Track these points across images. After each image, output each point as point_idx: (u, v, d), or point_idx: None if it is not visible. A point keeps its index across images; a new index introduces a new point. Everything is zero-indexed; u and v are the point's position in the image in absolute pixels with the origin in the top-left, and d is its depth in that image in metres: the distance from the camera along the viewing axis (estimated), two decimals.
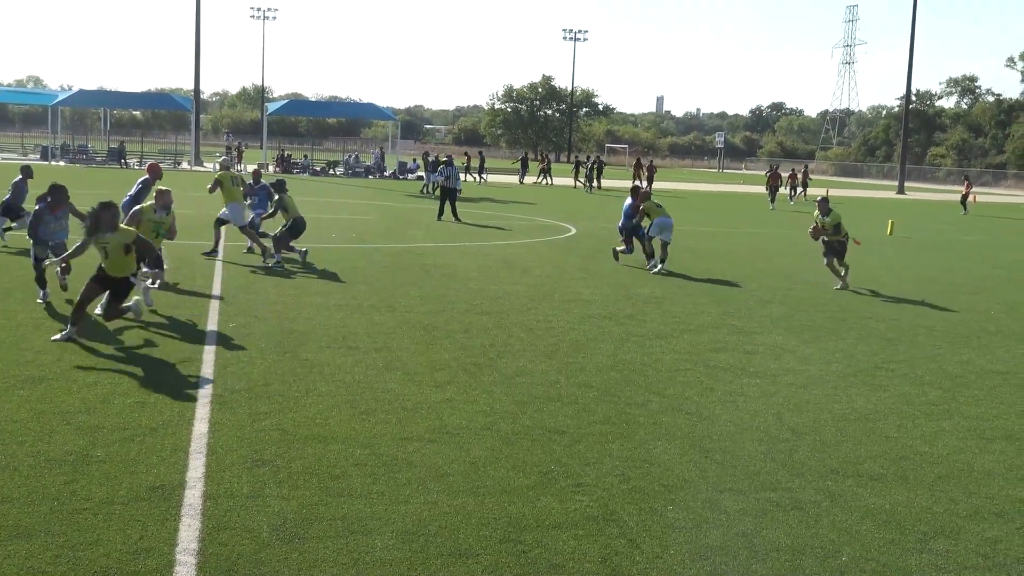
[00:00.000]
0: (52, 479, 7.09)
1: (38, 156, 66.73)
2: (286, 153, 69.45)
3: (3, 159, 63.88)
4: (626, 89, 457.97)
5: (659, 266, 20.46)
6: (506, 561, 6.04)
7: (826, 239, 19.56)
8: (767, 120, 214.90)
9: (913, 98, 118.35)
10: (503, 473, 7.65)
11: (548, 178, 63.82)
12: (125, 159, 64.62)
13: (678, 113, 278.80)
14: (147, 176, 18.37)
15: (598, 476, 7.69)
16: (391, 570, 5.84)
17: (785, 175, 56.80)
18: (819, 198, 20.24)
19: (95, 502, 6.68)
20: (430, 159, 50.91)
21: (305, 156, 68.93)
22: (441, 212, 31.60)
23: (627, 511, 6.98)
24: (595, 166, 59.37)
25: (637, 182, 54.32)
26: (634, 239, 21.75)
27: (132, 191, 18.27)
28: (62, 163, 61.95)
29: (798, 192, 57.60)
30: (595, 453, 8.26)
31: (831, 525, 6.94)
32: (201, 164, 66.03)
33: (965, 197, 54.08)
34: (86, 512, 6.51)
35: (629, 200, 21.72)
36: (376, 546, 6.17)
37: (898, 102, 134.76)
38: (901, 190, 79.30)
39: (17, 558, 5.77)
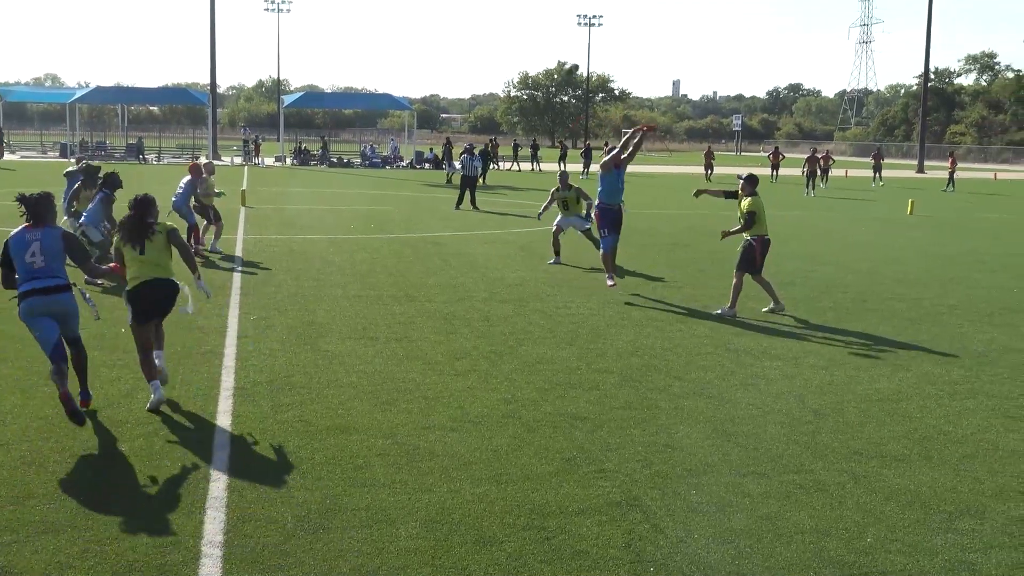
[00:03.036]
0: (78, 475, 7.14)
1: (57, 153, 67.00)
2: (303, 145, 69.55)
3: (23, 157, 64.24)
4: (642, 73, 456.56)
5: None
6: (530, 548, 6.05)
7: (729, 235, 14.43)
8: (784, 101, 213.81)
9: (931, 76, 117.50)
10: (526, 460, 7.66)
11: (563, 164, 63.60)
12: (143, 155, 64.87)
13: (695, 96, 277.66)
14: (190, 176, 19.51)
15: (620, 461, 7.69)
16: (415, 559, 5.86)
17: (803, 157, 56.44)
18: (745, 174, 14.24)
19: (121, 496, 6.72)
20: (467, 148, 50.87)
21: (322, 147, 69.00)
22: (460, 200, 31.60)
23: (650, 496, 6.98)
24: (587, 152, 59.34)
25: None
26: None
27: (180, 190, 19.44)
28: (95, 163, 62.16)
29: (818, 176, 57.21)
30: (617, 439, 8.26)
31: (855, 506, 6.92)
32: (219, 158, 66.20)
33: (952, 174, 54.17)
34: (112, 506, 6.54)
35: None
36: (400, 535, 6.19)
37: (916, 80, 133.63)
38: (921, 169, 78.79)
39: (45, 552, 5.82)
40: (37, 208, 8.59)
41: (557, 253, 19.08)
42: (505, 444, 8.04)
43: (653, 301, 15.01)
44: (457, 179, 37.78)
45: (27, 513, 6.40)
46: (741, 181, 14.19)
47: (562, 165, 58.96)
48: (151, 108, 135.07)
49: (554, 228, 19.30)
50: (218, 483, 7.00)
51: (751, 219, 13.95)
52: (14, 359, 10.48)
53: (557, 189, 19.32)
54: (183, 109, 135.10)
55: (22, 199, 8.69)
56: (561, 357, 11.17)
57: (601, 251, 15.70)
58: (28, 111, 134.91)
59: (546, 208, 19.74)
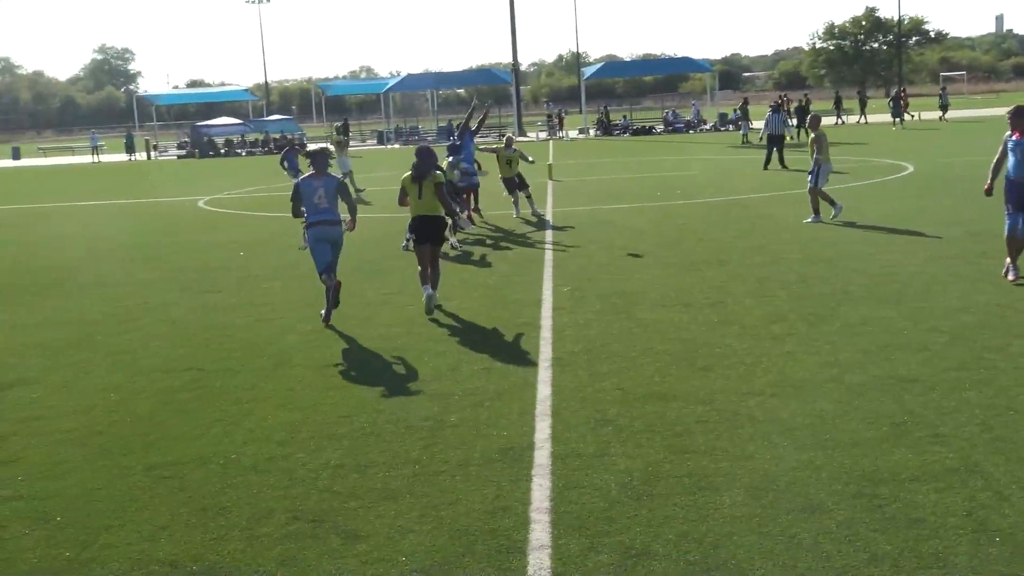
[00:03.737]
0: (412, 444, 7.56)
1: (375, 141, 70.94)
2: (606, 115, 70.11)
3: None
4: (959, 11, 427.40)
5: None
6: (861, 516, 5.85)
7: None
8: None
9: None
10: (852, 425, 7.41)
11: (864, 117, 60.60)
12: (454, 135, 67.50)
13: (1022, 31, 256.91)
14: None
15: (956, 426, 7.29)
16: (741, 526, 5.81)
17: None
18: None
19: (452, 464, 7.07)
20: (773, 105, 49.67)
21: (624, 117, 69.33)
22: (768, 161, 30.86)
23: (992, 462, 6.57)
24: (897, 99, 55.58)
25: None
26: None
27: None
28: (396, 146, 65.52)
29: None
30: (951, 402, 7.83)
31: None
32: (524, 134, 67.89)
33: None
34: (444, 474, 6.90)
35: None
36: (724, 502, 6.15)
37: None
38: None
39: (387, 518, 6.21)
40: (318, 161, 12.01)
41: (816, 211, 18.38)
42: (829, 409, 7.81)
43: (985, 255, 14.03)
44: (755, 138, 36.93)
45: (368, 480, 6.85)
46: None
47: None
48: (458, 91, 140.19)
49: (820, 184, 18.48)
50: (542, 451, 7.21)
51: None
52: (347, 339, 11.21)
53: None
54: (488, 89, 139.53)
55: (308, 153, 12.65)
56: (885, 317, 10.70)
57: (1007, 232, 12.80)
58: (346, 103, 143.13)
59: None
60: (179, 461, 7.41)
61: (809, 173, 18.61)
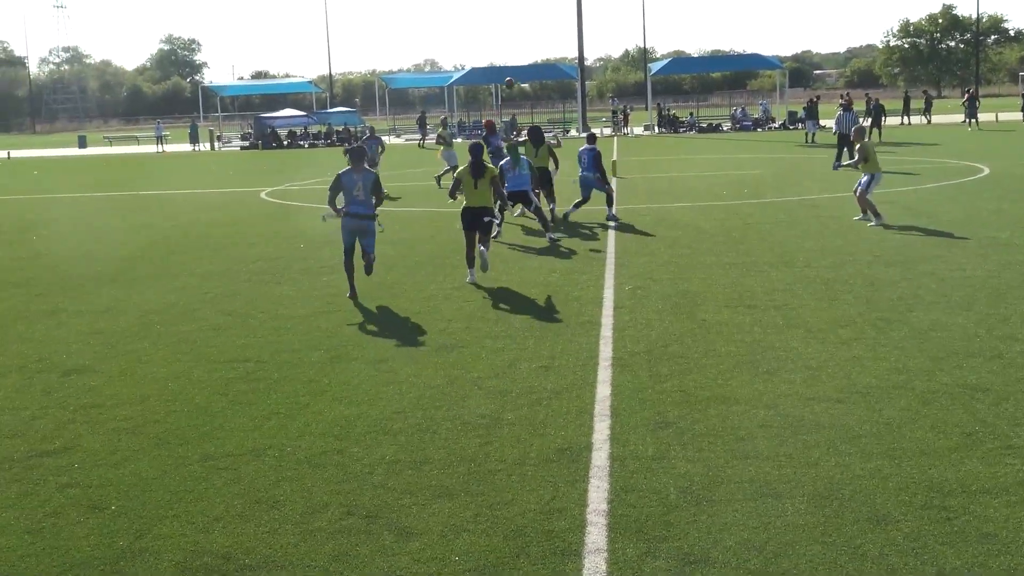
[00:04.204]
0: (468, 441, 7.55)
1: (421, 136, 71.12)
2: (670, 112, 69.69)
3: (407, 140, 68.74)
4: None
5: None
6: (929, 528, 5.72)
7: None
8: None
9: None
10: (921, 434, 7.26)
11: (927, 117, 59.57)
12: (516, 130, 67.50)
13: None
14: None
15: None
16: (804, 535, 5.71)
17: None
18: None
19: (508, 463, 7.04)
20: (843, 104, 49.03)
21: (690, 114, 68.84)
22: (838, 159, 30.45)
23: None
24: (972, 99, 54.39)
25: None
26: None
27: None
28: (459, 140, 65.65)
29: None
30: None
31: None
32: (588, 130, 67.75)
33: None
34: (500, 473, 6.87)
35: None
36: (787, 510, 6.05)
37: None
38: None
39: (441, 516, 6.19)
40: (357, 157, 13.35)
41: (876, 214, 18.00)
42: (897, 417, 7.65)
43: None
44: (823, 138, 36.44)
45: (424, 477, 6.84)
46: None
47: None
48: (522, 85, 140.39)
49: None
50: (600, 452, 7.16)
51: None
52: (405, 334, 11.24)
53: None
54: (553, 84, 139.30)
55: (348, 151, 14.41)
56: (956, 323, 10.49)
57: None
58: (410, 96, 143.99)
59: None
60: (234, 452, 7.46)
61: (858, 184, 18.44)
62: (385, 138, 71.17)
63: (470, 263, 14.25)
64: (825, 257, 14.82)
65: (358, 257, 13.37)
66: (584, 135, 21.67)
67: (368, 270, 13.69)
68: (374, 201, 13.34)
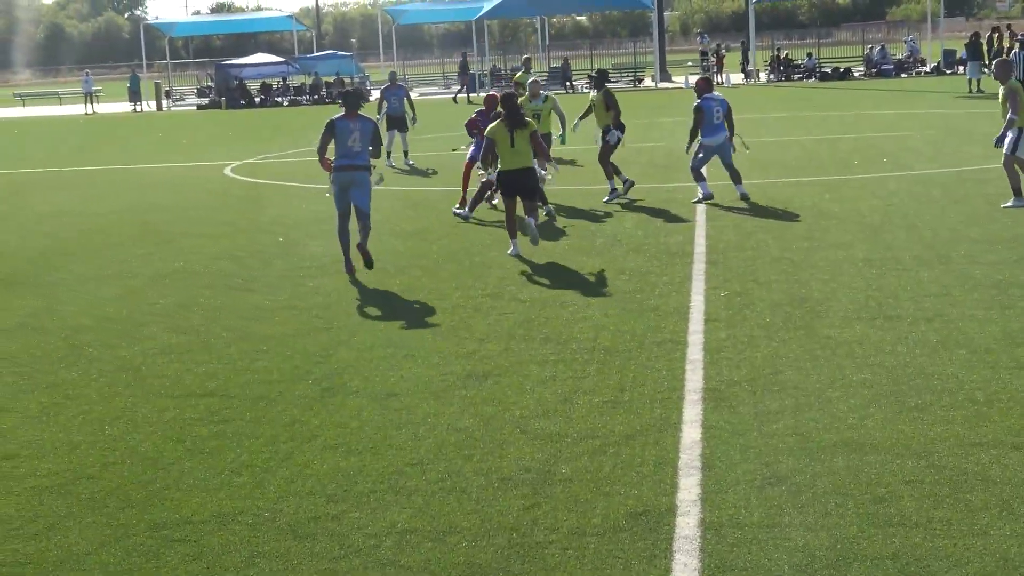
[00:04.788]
0: (507, 503, 7.58)
1: (460, 87, 71.15)
2: (781, 53, 69.45)
3: (421, 96, 68.88)
4: None
5: None
6: None
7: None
8: None
9: None
10: None
11: None
12: (571, 81, 67.51)
13: None
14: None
15: None
16: None
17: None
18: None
19: (562, 533, 7.07)
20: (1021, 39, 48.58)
21: (809, 55, 68.57)
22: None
23: None
24: None
25: None
26: None
27: None
28: (493, 92, 65.63)
29: None
30: None
31: None
32: (668, 79, 67.67)
33: None
34: (552, 546, 6.90)
35: None
36: None
37: None
38: None
39: None
40: (351, 102, 15.16)
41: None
42: None
43: None
44: (991, 85, 36.11)
45: (448, 552, 6.89)
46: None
47: None
48: (578, 18, 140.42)
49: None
50: (687, 518, 7.17)
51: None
52: (422, 358, 11.30)
53: None
54: (619, 16, 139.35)
55: (341, 93, 16.70)
56: None
57: None
58: (425, 35, 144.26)
59: None
60: (194, 519, 7.54)
61: (997, 139, 18.27)
62: None
63: (512, 233, 15.85)
64: (994, 250, 14.77)
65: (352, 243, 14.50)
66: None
67: (364, 241, 14.80)
68: (371, 151, 15.18)
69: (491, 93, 21.47)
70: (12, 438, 9.39)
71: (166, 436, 9.23)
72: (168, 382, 10.79)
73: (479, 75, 70.09)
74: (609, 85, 22.02)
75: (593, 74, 24.04)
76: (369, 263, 14.81)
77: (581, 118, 22.30)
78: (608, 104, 20.79)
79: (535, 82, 22.71)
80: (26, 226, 21.97)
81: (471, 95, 61.17)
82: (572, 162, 26.25)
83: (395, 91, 29.32)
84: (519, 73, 32.35)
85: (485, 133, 16.49)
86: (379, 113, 28.12)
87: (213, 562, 6.90)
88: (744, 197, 19.95)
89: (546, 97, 21.73)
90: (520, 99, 20.24)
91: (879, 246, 15.48)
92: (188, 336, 12.56)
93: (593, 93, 21.64)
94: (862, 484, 7.57)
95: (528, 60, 36.08)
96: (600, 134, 21.14)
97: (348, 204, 14.93)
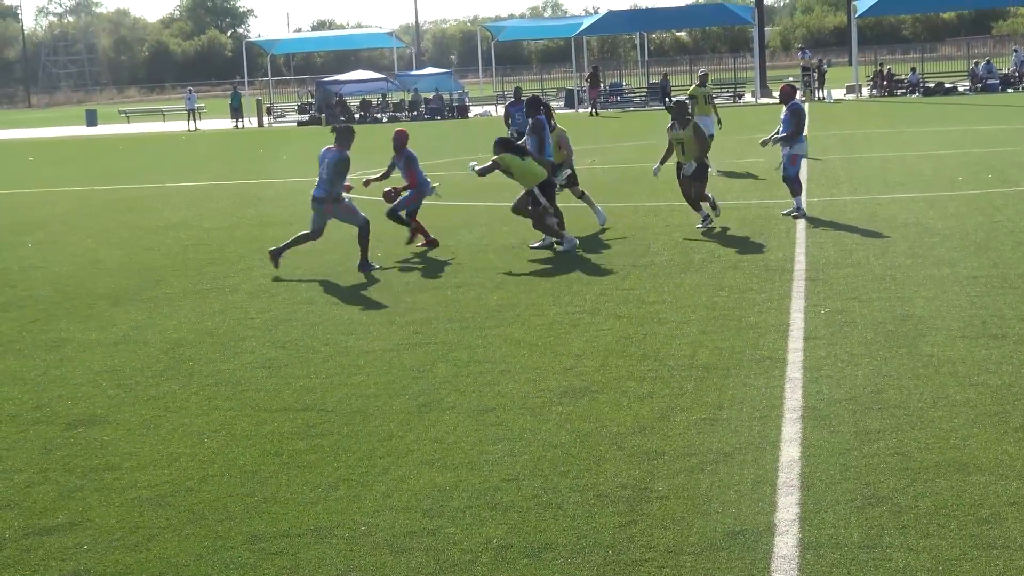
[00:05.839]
0: (603, 520, 7.56)
1: (562, 103, 71.30)
2: (885, 68, 68.84)
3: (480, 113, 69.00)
4: None
5: None
6: None
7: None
8: None
9: None
10: None
11: None
12: (670, 96, 67.39)
13: None
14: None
15: None
16: None
17: None
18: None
19: (659, 551, 7.04)
20: None
21: (913, 70, 67.93)
22: None
23: None
24: None
25: None
26: None
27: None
28: (591, 110, 65.80)
29: None
30: None
31: None
32: (769, 95, 67.30)
33: None
34: (648, 564, 6.87)
35: None
36: None
37: None
38: None
39: None
40: (341, 138, 17.73)
41: None
42: None
43: None
44: None
45: (544, 569, 6.88)
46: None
47: None
48: (677, 34, 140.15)
49: None
50: (786, 538, 7.12)
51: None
52: (517, 373, 11.32)
53: None
54: (719, 32, 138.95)
55: (334, 128, 18.55)
56: None
57: None
58: (524, 50, 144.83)
59: None
60: (291, 532, 7.61)
61: None
62: (490, 108, 71.91)
63: (560, 227, 18.31)
64: None
65: (352, 238, 16.62)
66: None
67: (363, 241, 17.17)
68: (335, 184, 17.09)
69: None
70: (113, 450, 9.53)
71: (264, 449, 9.33)
72: (266, 395, 10.91)
73: (577, 91, 70.22)
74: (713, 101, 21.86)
75: (670, 105, 21.48)
76: (276, 259, 17.36)
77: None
78: (697, 138, 19.89)
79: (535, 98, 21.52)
80: (131, 241, 22.31)
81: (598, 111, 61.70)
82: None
83: (519, 106, 29.40)
84: (693, 87, 32.00)
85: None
86: (508, 128, 28.10)
87: (310, 574, 6.94)
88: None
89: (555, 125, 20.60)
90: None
91: (984, 263, 15.28)
92: (286, 350, 12.68)
93: (679, 131, 19.84)
94: (965, 505, 7.47)
95: (705, 76, 34.89)
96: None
97: (321, 227, 17.49)
